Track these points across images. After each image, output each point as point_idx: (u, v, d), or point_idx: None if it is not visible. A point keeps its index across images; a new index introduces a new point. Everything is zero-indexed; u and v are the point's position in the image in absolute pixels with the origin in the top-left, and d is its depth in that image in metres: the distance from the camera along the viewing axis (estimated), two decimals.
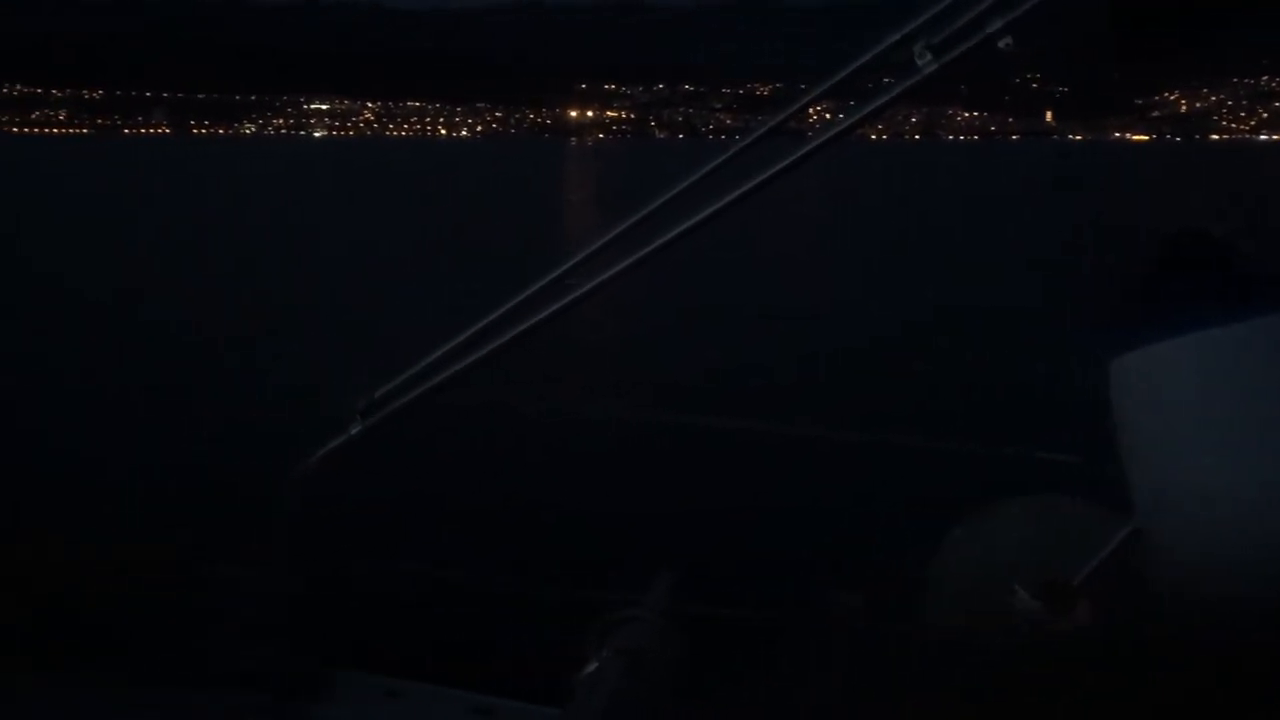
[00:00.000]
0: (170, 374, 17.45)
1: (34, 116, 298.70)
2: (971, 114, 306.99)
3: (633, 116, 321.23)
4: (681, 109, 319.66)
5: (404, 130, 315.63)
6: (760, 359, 18.77)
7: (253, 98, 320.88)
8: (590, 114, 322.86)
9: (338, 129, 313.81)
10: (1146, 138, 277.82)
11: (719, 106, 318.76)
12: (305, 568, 2.13)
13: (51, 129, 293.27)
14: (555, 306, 1.99)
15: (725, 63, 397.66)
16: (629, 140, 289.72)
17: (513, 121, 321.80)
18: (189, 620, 2.06)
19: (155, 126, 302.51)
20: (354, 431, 2.08)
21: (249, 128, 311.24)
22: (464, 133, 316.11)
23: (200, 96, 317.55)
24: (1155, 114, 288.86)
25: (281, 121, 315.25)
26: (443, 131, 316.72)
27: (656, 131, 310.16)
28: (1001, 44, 1.69)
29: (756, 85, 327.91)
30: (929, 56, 1.73)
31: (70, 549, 2.19)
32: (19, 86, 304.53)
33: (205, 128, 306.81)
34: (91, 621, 2.01)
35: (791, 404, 15.16)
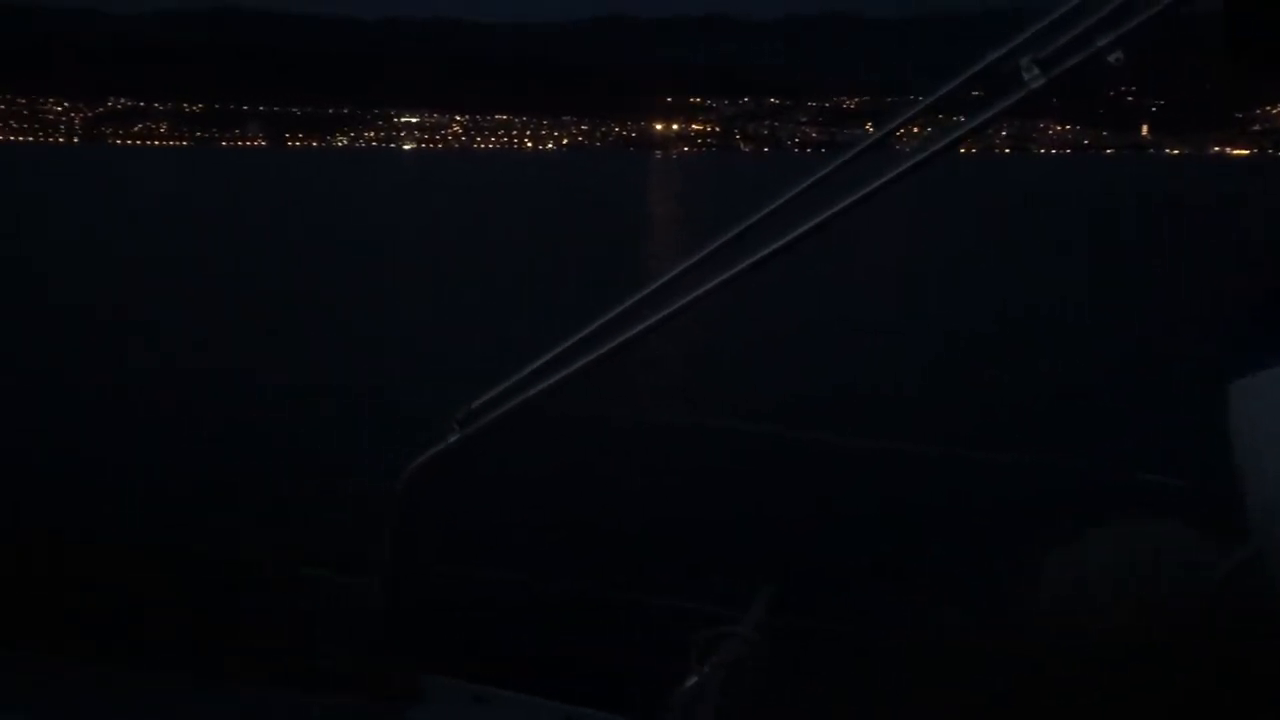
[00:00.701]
0: (272, 380, 17.91)
1: (137, 129, 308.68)
2: (1064, 127, 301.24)
3: (717, 130, 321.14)
4: (767, 122, 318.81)
5: (491, 143, 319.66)
6: (855, 372, 18.64)
7: (345, 111, 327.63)
8: (675, 127, 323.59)
9: (427, 142, 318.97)
10: (1247, 152, 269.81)
11: (804, 120, 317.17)
12: (401, 574, 2.18)
13: (153, 141, 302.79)
14: (652, 320, 2.01)
15: (811, 76, 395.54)
16: (713, 153, 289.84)
17: (598, 135, 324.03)
18: (289, 622, 2.10)
19: (251, 139, 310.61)
20: (451, 441, 2.11)
21: (341, 140, 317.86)
22: (549, 145, 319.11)
23: (294, 110, 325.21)
24: (1256, 128, 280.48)
25: (372, 134, 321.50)
26: (529, 144, 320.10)
27: (741, 145, 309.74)
28: (1111, 58, 1.65)
29: (843, 99, 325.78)
30: (1036, 71, 1.71)
31: (177, 549, 2.18)
32: (123, 100, 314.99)
33: (299, 140, 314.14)
34: (194, 619, 2.04)
35: (891, 417, 15.02)
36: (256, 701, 1.92)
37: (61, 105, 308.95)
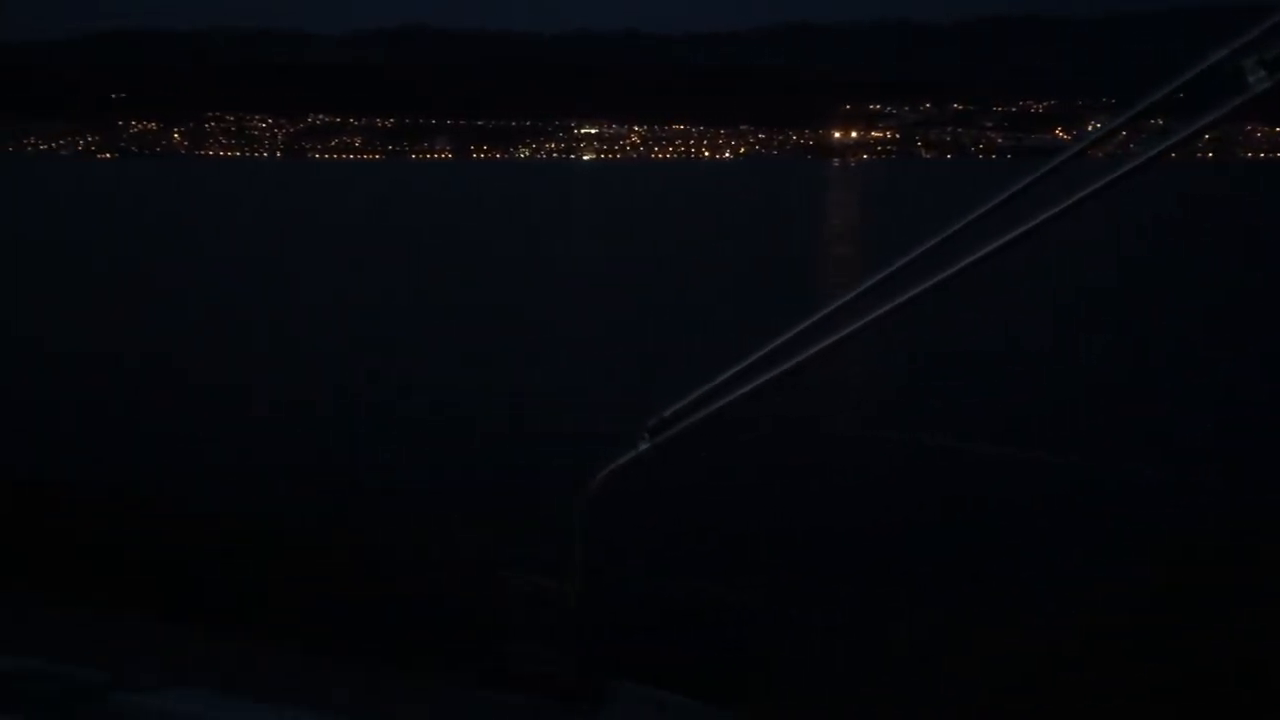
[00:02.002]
0: (470, 385, 18.37)
1: (334, 143, 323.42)
2: (1274, 129, 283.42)
3: (897, 136, 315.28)
4: (949, 128, 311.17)
5: (668, 153, 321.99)
6: (1046, 389, 17.96)
7: (527, 123, 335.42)
8: (854, 134, 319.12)
9: (605, 152, 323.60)
10: None
11: (989, 125, 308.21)
12: (592, 577, 2.18)
13: (348, 155, 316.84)
14: (844, 332, 1.96)
15: (996, 79, 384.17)
16: (893, 161, 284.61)
17: (775, 143, 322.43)
18: (484, 621, 2.12)
19: (439, 152, 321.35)
20: (642, 449, 2.11)
21: (523, 152, 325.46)
22: (726, 154, 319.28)
23: (479, 123, 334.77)
24: None
25: (553, 146, 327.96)
26: (705, 153, 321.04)
27: (923, 152, 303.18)
28: None
29: (1030, 102, 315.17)
30: (1262, 73, 1.61)
31: (380, 547, 2.33)
32: (322, 116, 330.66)
33: (484, 152, 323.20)
34: (394, 612, 2.09)
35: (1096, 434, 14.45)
36: (449, 695, 1.90)
37: (266, 122, 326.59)
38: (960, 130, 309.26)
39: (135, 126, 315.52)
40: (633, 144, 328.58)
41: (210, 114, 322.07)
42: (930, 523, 11.18)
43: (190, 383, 18.89)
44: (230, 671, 1.78)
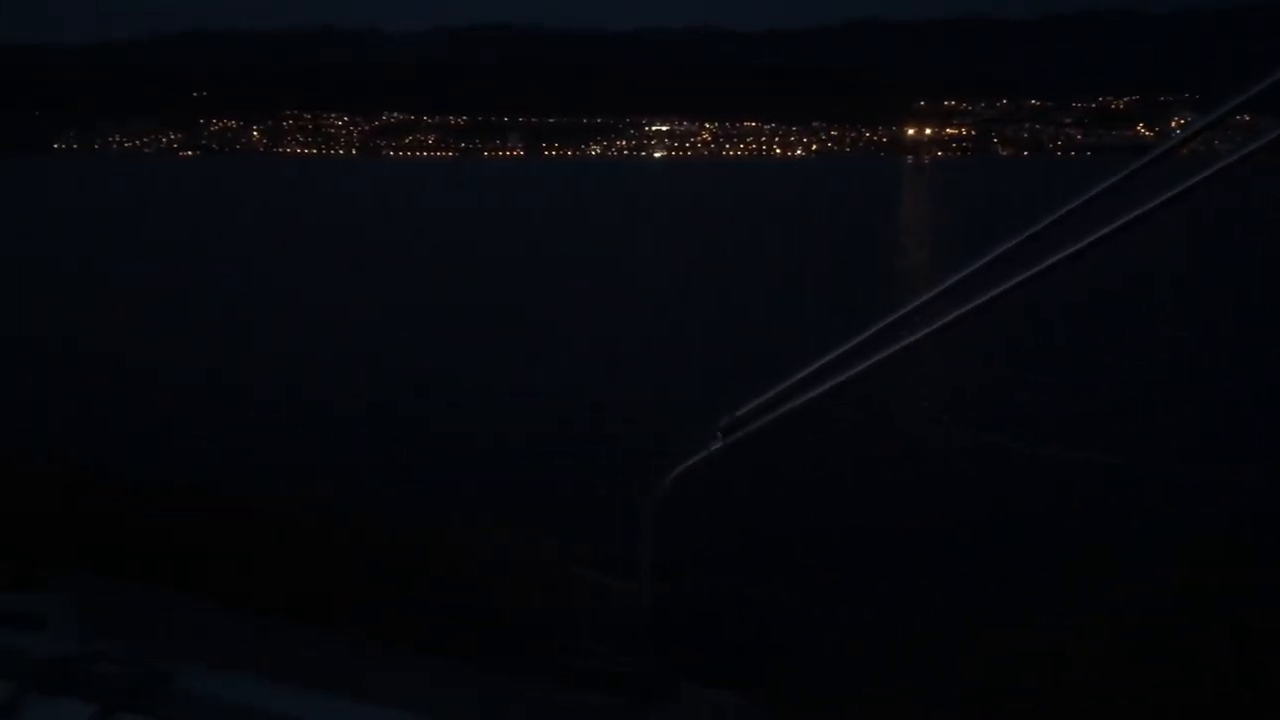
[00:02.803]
0: (546, 384, 18.37)
1: (408, 141, 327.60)
2: None
3: (973, 133, 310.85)
4: (1026, 125, 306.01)
5: (740, 150, 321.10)
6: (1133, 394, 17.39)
7: (598, 121, 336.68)
8: (928, 131, 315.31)
9: (676, 149, 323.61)
10: None
11: (1068, 122, 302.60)
12: (664, 578, 2.20)
13: (422, 153, 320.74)
14: (921, 333, 1.94)
15: (1075, 75, 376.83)
16: (969, 158, 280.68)
17: (848, 140, 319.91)
18: (556, 619, 2.15)
19: (511, 150, 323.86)
20: (714, 448, 2.11)
21: (594, 149, 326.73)
22: (799, 152, 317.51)
23: (551, 121, 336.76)
24: None
25: (624, 143, 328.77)
26: (777, 151, 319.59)
27: (1000, 149, 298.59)
28: None
29: (1110, 99, 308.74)
30: None
31: (457, 542, 2.31)
32: (396, 115, 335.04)
33: (555, 150, 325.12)
34: (467, 607, 2.12)
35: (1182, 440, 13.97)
36: (519, 694, 1.97)
37: (342, 120, 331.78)
38: (1038, 127, 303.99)
39: (215, 125, 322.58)
40: (704, 141, 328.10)
41: (288, 112, 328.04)
42: (997, 523, 10.89)
43: (286, 382, 19.24)
44: (302, 662, 1.86)
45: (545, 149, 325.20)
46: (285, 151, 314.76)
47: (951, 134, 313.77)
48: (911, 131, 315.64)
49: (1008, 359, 19.35)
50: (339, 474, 13.58)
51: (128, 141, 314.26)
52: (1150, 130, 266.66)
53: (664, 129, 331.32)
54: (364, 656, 1.92)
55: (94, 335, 23.66)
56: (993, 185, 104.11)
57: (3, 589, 1.81)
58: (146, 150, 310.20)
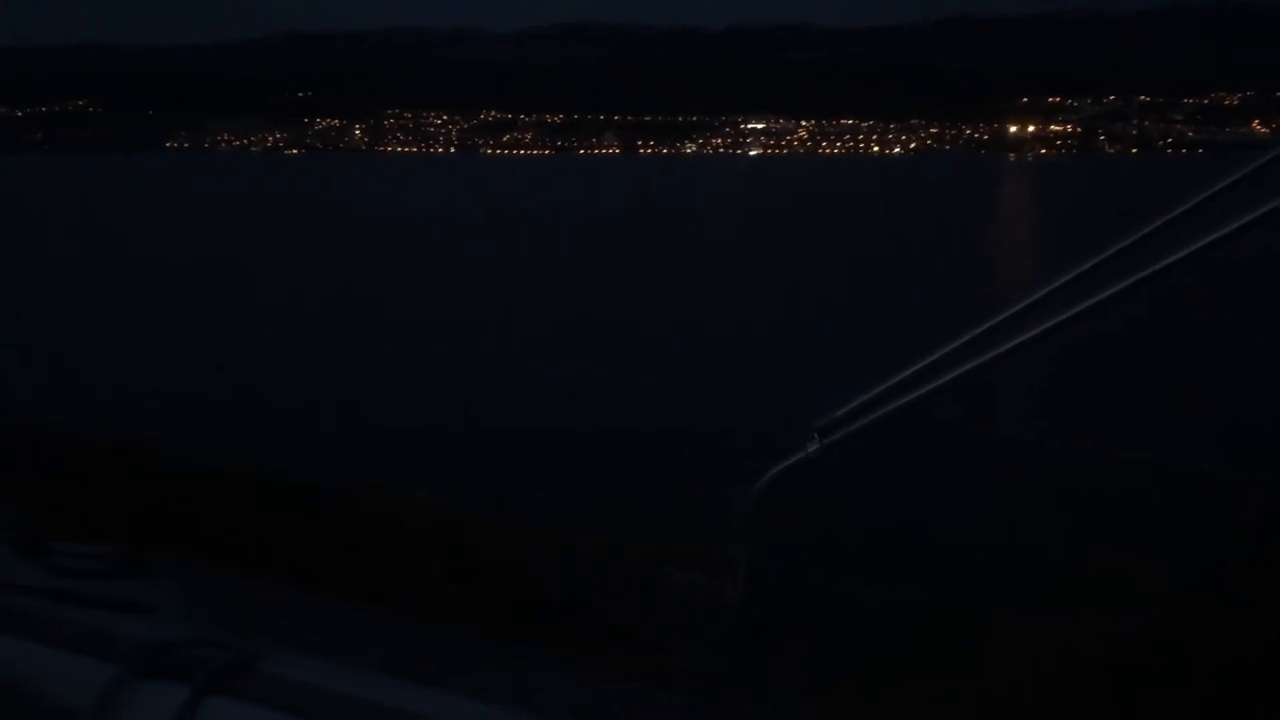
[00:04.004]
0: (651, 380, 18.23)
1: (505, 139, 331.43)
2: None
3: (1079, 130, 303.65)
4: (1135, 122, 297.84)
5: (836, 148, 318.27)
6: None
7: (694, 119, 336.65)
8: (1031, 129, 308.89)
9: (772, 147, 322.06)
10: None
11: (1179, 118, 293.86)
12: (758, 580, 2.21)
13: (518, 150, 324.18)
14: (1032, 333, 1.87)
15: (1186, 69, 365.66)
16: (1075, 155, 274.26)
17: (948, 137, 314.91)
18: (646, 619, 2.21)
19: (607, 147, 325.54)
20: (811, 450, 2.08)
21: (689, 147, 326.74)
22: (896, 150, 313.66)
23: (646, 118, 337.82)
24: None
25: (719, 141, 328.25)
26: (875, 149, 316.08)
27: (1106, 146, 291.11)
28: None
29: (1224, 94, 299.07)
30: None
31: (552, 540, 2.38)
32: (493, 113, 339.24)
33: (650, 148, 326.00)
34: (559, 602, 2.18)
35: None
36: (609, 692, 2.01)
37: (441, 118, 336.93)
38: (1147, 124, 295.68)
39: (320, 123, 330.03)
40: (800, 139, 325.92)
41: (389, 111, 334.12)
42: (1114, 540, 10.53)
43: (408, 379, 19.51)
44: (397, 654, 1.88)
45: (640, 147, 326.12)
46: (386, 150, 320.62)
47: (1055, 131, 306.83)
48: (1014, 128, 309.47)
49: (1127, 364, 18.77)
50: (445, 469, 13.71)
51: (236, 140, 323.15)
52: (1266, 127, 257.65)
53: (759, 126, 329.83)
54: (455, 649, 1.99)
55: (254, 331, 24.20)
56: (1101, 183, 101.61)
57: (112, 575, 1.90)
58: (254, 148, 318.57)
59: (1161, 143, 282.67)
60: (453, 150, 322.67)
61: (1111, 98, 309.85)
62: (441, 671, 1.81)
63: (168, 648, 1.68)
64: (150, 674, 1.68)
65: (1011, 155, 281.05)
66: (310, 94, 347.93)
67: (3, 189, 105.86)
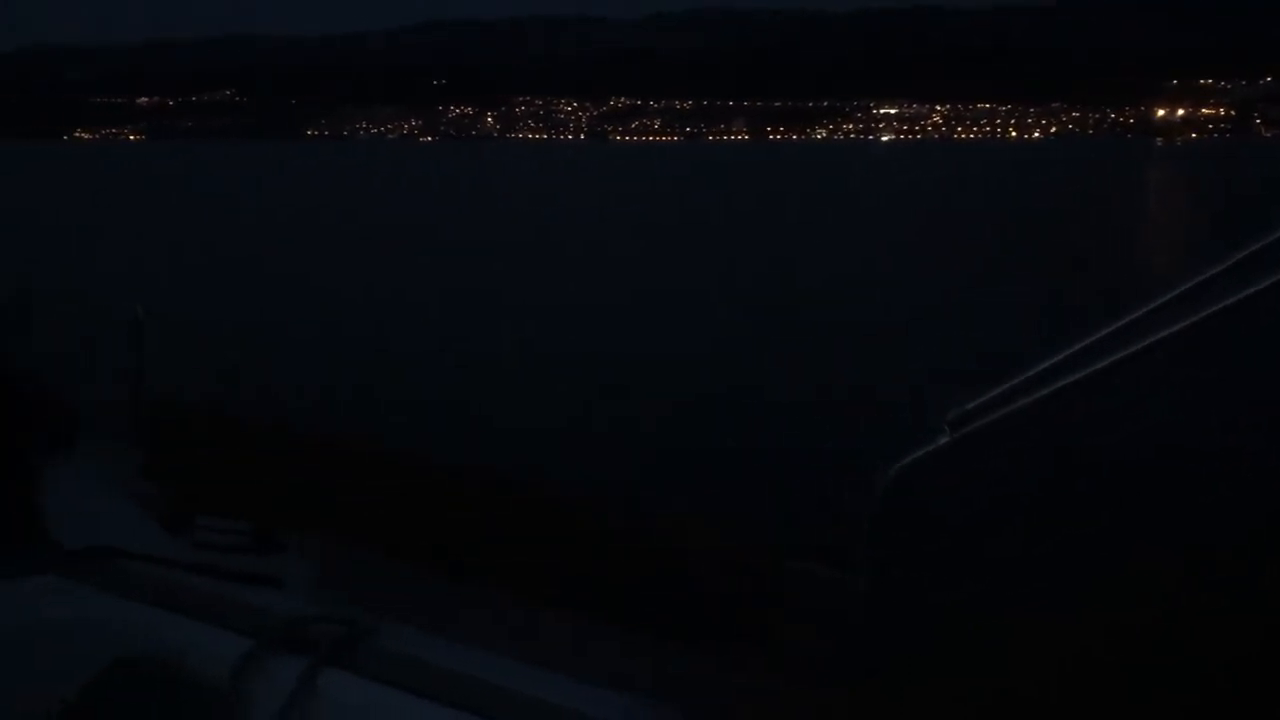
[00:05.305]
0: (773, 373, 17.44)
1: (634, 126, 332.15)
2: None
3: (1232, 113, 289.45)
4: None
5: (972, 133, 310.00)
6: None
7: (824, 104, 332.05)
8: (1180, 112, 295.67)
9: (905, 133, 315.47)
10: None
11: None
12: (882, 573, 2.19)
13: (647, 137, 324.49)
14: (1178, 326, 1.79)
15: None
16: (1228, 140, 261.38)
17: (1091, 121, 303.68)
18: (767, 610, 2.19)
19: (736, 134, 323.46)
20: (941, 443, 2.05)
21: (820, 133, 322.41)
22: (1035, 134, 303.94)
23: (776, 104, 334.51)
24: None
25: (851, 127, 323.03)
26: (1013, 134, 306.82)
27: (1262, 130, 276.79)
28: None
29: None
30: None
31: (672, 530, 2.37)
32: (623, 100, 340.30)
33: (780, 134, 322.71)
34: (673, 594, 2.16)
35: None
36: (728, 680, 2.02)
37: (571, 105, 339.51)
38: None
39: (453, 111, 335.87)
40: (934, 124, 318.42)
41: (520, 99, 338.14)
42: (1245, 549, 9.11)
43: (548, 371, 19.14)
44: (510, 633, 1.91)
45: (770, 133, 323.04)
46: (516, 137, 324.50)
47: (1207, 114, 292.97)
48: (1162, 112, 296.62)
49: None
50: (576, 460, 13.18)
51: (373, 128, 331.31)
52: None
53: (891, 111, 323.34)
54: (572, 634, 1.98)
55: (402, 318, 24.20)
56: (1256, 169, 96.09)
57: (247, 550, 2.01)
58: (390, 136, 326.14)
59: None
60: (582, 137, 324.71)
61: (1269, 78, 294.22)
62: (560, 656, 1.82)
63: (292, 622, 1.77)
64: (275, 648, 1.80)
65: (1159, 140, 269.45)
66: (443, 82, 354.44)
67: (164, 173, 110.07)
